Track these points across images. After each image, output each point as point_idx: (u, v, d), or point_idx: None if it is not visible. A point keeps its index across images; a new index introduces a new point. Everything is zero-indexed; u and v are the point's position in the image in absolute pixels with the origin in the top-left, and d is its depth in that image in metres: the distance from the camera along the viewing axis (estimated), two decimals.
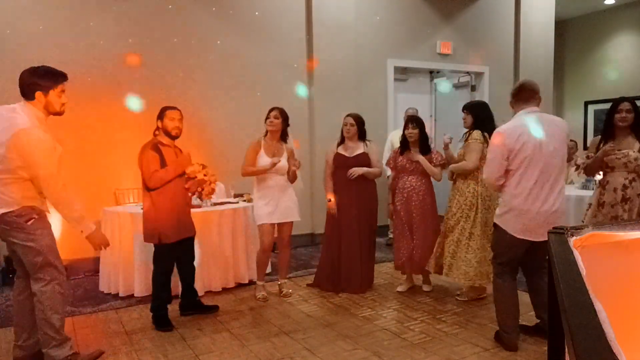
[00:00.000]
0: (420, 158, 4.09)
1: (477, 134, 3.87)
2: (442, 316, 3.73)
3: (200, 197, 4.43)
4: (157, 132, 3.64)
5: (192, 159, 3.83)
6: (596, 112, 9.22)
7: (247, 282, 4.57)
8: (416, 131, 4.12)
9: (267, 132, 4.15)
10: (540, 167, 2.91)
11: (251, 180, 4.22)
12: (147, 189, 3.53)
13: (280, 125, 4.10)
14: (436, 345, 3.20)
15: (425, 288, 4.32)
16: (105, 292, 4.42)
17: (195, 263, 3.90)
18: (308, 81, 6.38)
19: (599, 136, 3.66)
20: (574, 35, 9.56)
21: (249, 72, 5.96)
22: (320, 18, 6.31)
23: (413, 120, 4.19)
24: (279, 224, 4.18)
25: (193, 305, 3.87)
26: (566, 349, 0.92)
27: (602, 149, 3.43)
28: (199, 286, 4.14)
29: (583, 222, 3.67)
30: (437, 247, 4.06)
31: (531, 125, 2.95)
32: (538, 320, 3.33)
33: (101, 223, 4.56)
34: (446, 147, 4.14)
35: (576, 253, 1.19)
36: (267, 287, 4.34)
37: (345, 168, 4.27)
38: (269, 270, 4.92)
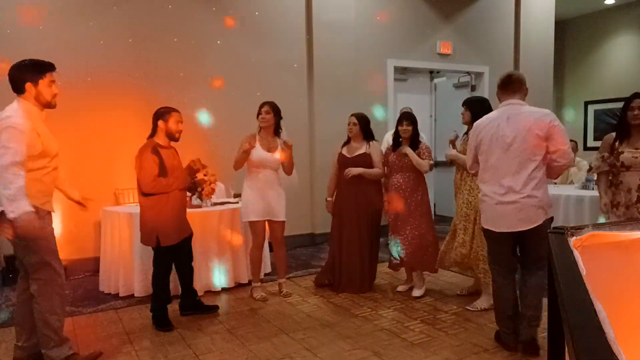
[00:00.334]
0: (408, 150, 4.07)
1: None
2: (442, 316, 3.73)
3: (200, 197, 4.44)
4: (153, 134, 3.61)
5: (191, 160, 3.84)
6: (596, 112, 9.22)
7: (246, 282, 4.57)
8: (410, 128, 4.11)
9: (260, 127, 4.13)
10: (498, 158, 2.94)
11: None
12: (143, 193, 3.51)
13: (273, 120, 4.10)
14: (436, 345, 3.20)
15: (415, 293, 4.18)
16: (105, 292, 4.42)
17: (193, 263, 3.89)
18: (308, 81, 6.38)
19: (612, 134, 3.55)
20: (574, 35, 9.57)
21: (249, 72, 5.96)
22: (320, 18, 6.31)
23: (407, 117, 4.17)
24: (270, 222, 4.18)
25: (193, 305, 3.86)
26: (566, 349, 0.92)
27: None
28: (199, 286, 4.14)
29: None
30: (447, 245, 4.00)
31: (496, 117, 3.03)
32: None
33: (101, 223, 4.57)
34: (452, 144, 4.09)
35: (576, 253, 1.19)
36: (266, 288, 4.34)
37: (345, 168, 4.28)
38: (268, 270, 4.92)
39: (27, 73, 2.72)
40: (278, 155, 4.10)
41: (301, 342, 3.29)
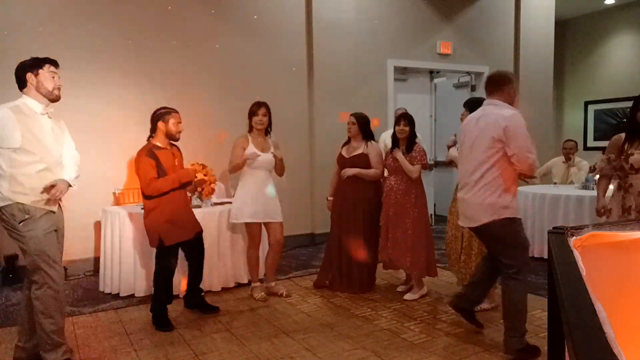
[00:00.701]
0: (399, 155, 4.05)
1: None
2: (442, 316, 3.73)
3: (200, 197, 4.45)
4: (152, 135, 3.61)
5: (192, 163, 3.85)
6: (596, 112, 9.22)
7: (246, 282, 4.57)
8: (407, 129, 4.09)
9: (251, 128, 4.11)
10: (464, 157, 3.08)
11: None
12: (144, 196, 3.55)
13: (268, 121, 4.11)
14: (436, 345, 3.20)
15: (407, 296, 4.14)
16: (105, 292, 4.42)
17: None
18: (308, 81, 6.39)
19: (622, 134, 3.39)
20: (574, 35, 9.57)
21: (248, 73, 5.96)
22: (320, 18, 6.31)
23: (405, 118, 4.15)
24: (267, 225, 4.17)
25: (197, 303, 3.90)
26: (566, 349, 0.92)
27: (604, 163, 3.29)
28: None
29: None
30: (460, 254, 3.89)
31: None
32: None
33: (101, 223, 4.57)
34: (450, 147, 4.10)
35: (576, 253, 1.19)
36: (264, 288, 4.34)
37: (343, 168, 4.29)
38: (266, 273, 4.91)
39: (27, 65, 2.77)
40: (271, 155, 4.11)
41: (301, 342, 3.29)
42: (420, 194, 4.17)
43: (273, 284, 4.33)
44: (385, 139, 6.00)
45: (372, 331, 3.46)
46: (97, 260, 4.80)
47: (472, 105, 3.87)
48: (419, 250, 4.08)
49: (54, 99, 2.81)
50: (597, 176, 3.66)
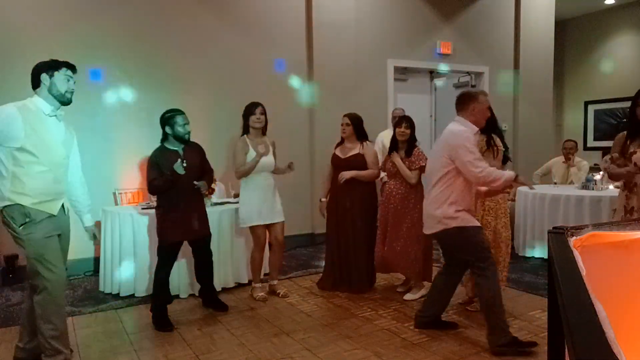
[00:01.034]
0: (397, 161, 4.03)
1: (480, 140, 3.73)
2: (442, 316, 3.72)
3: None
4: (165, 138, 3.68)
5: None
6: (596, 112, 9.22)
7: (246, 282, 4.57)
8: (408, 131, 4.05)
9: (246, 129, 4.09)
10: (427, 169, 3.39)
11: None
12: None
13: (265, 120, 4.11)
14: (436, 345, 3.20)
15: (407, 296, 4.15)
16: (105, 292, 4.42)
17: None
18: (308, 81, 6.39)
19: (624, 132, 3.31)
20: (574, 35, 9.57)
21: (248, 73, 5.95)
22: (320, 18, 6.31)
23: (407, 120, 4.11)
24: (271, 224, 4.17)
25: (209, 300, 3.97)
26: (566, 349, 0.92)
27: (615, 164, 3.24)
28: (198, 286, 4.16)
29: None
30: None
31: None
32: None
33: (101, 223, 4.57)
34: None
35: (576, 253, 1.19)
36: (266, 288, 4.34)
37: (338, 169, 4.24)
38: (268, 270, 4.91)
39: (44, 66, 2.75)
40: (272, 156, 4.11)
41: (301, 342, 3.29)
42: (419, 199, 4.04)
43: (275, 282, 4.34)
44: (382, 139, 5.97)
45: (372, 331, 3.46)
46: (97, 260, 4.80)
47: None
48: (415, 255, 4.05)
49: (64, 102, 2.79)
50: (604, 175, 3.61)
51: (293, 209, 5.19)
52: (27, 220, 2.64)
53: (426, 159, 4.03)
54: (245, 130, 4.10)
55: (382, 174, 4.41)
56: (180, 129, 3.61)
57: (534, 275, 4.78)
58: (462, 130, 3.11)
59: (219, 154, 5.44)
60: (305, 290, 4.47)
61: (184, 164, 3.49)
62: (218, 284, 4.40)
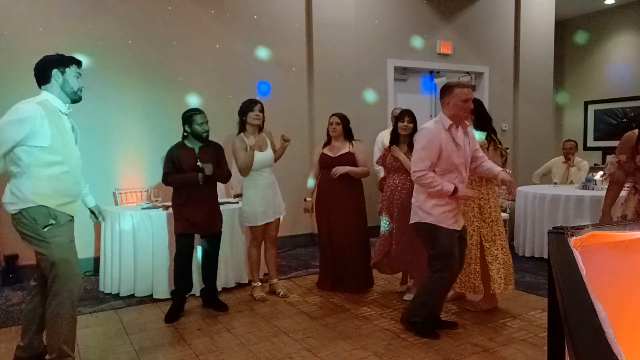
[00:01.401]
0: (400, 155, 4.00)
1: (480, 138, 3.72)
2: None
3: None
4: (185, 137, 3.84)
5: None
6: (596, 112, 9.22)
7: (246, 282, 4.57)
8: (412, 125, 4.02)
9: (243, 127, 4.08)
10: None
11: None
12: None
13: (262, 118, 4.12)
14: (436, 345, 3.20)
15: (407, 297, 4.11)
16: (105, 292, 4.42)
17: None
18: (308, 81, 6.39)
19: (634, 131, 2.94)
20: (574, 35, 9.56)
21: (248, 73, 5.96)
22: (320, 18, 6.31)
23: (409, 114, 4.08)
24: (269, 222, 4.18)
25: (208, 299, 3.99)
26: (566, 349, 0.92)
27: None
28: (199, 286, 4.17)
29: None
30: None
31: None
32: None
33: (101, 223, 4.57)
34: None
35: (576, 253, 1.19)
36: (265, 288, 4.34)
37: (330, 168, 4.22)
38: (266, 270, 4.91)
39: (54, 61, 2.66)
40: (270, 151, 4.12)
41: (301, 342, 3.29)
42: None
43: (275, 281, 4.35)
44: (383, 138, 5.98)
45: (372, 331, 3.46)
46: (97, 260, 4.80)
47: (476, 109, 3.74)
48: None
49: (76, 100, 2.74)
50: (601, 180, 3.39)
51: (293, 209, 5.20)
52: (53, 222, 2.57)
53: None
54: (242, 128, 4.09)
55: (377, 167, 4.38)
56: (197, 128, 3.76)
57: (534, 275, 4.79)
58: (426, 128, 3.17)
59: None
60: (305, 290, 4.47)
61: (198, 163, 3.69)
62: (218, 284, 4.39)
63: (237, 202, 4.75)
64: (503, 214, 5.52)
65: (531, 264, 5.23)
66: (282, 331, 3.48)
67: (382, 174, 4.49)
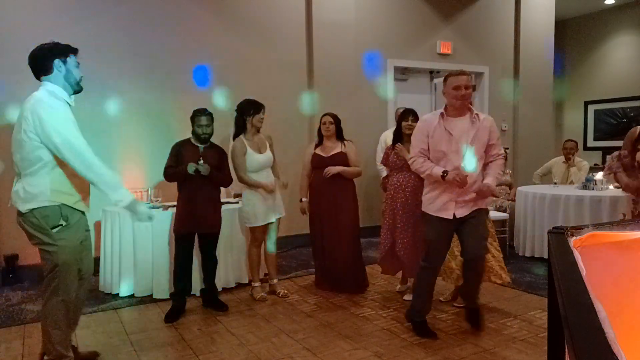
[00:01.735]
0: (405, 154, 3.95)
1: None
2: (442, 316, 3.73)
3: None
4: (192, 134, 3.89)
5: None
6: (596, 112, 9.22)
7: (246, 282, 4.57)
8: (415, 124, 3.98)
9: (243, 128, 4.06)
10: None
11: None
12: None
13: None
14: (436, 345, 3.20)
15: (407, 297, 4.09)
16: (105, 292, 4.42)
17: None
18: (308, 81, 6.39)
19: (638, 127, 3.06)
20: (574, 35, 9.57)
21: (248, 73, 5.95)
22: (320, 18, 6.31)
23: (413, 114, 4.07)
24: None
25: (207, 299, 3.99)
26: (566, 349, 0.92)
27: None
28: (199, 286, 4.17)
29: None
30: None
31: None
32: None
33: (101, 223, 4.57)
34: None
35: (576, 253, 1.19)
36: (266, 287, 4.34)
37: (322, 168, 4.22)
38: (266, 270, 4.91)
39: (55, 50, 2.58)
40: (270, 153, 4.13)
41: (301, 342, 3.29)
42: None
43: (275, 280, 4.35)
44: (386, 138, 5.98)
45: (372, 331, 3.46)
46: (97, 260, 4.78)
47: None
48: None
49: (78, 91, 2.69)
50: (603, 176, 3.42)
51: (293, 209, 5.18)
52: (62, 223, 2.54)
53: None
54: (242, 128, 4.07)
55: (380, 167, 4.37)
56: (197, 129, 3.81)
57: (534, 275, 4.78)
58: (422, 119, 3.31)
59: None
60: (305, 290, 4.47)
61: (200, 161, 3.69)
62: (218, 284, 4.39)
63: (237, 202, 4.75)
64: (503, 214, 5.53)
65: (531, 264, 5.23)
66: (282, 331, 3.48)
67: (384, 174, 4.48)
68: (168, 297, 4.02)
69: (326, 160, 4.25)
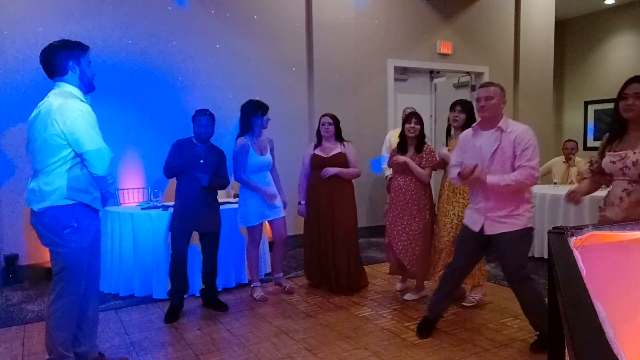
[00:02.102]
0: (408, 160, 3.94)
1: None
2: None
3: None
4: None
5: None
6: (596, 112, 9.22)
7: (247, 282, 4.57)
8: (418, 127, 3.98)
9: (250, 128, 4.04)
10: None
11: None
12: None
13: None
14: (436, 345, 3.20)
15: (407, 296, 4.11)
16: (105, 292, 4.41)
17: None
18: (308, 81, 6.39)
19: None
20: (574, 35, 9.57)
21: (248, 73, 5.96)
22: (320, 18, 6.31)
23: (416, 116, 4.05)
24: (272, 221, 4.19)
25: (207, 300, 3.99)
26: (566, 349, 0.92)
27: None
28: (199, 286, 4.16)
29: None
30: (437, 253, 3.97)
31: None
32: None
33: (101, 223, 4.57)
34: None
35: (576, 253, 1.19)
36: (266, 287, 4.34)
37: (322, 169, 4.22)
38: (268, 269, 4.91)
39: (70, 49, 2.54)
40: (269, 157, 4.14)
41: (301, 342, 3.29)
42: (429, 194, 4.08)
43: (280, 274, 4.39)
44: (390, 138, 6.00)
45: (372, 331, 3.46)
46: None
47: (471, 108, 3.87)
48: (424, 250, 4.02)
49: (91, 90, 2.67)
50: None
51: (293, 209, 5.18)
52: (74, 224, 2.51)
53: (436, 158, 4.02)
54: (248, 128, 4.05)
55: (384, 166, 4.38)
56: (196, 129, 3.83)
57: (534, 275, 4.76)
58: (462, 132, 3.36)
59: None
60: (305, 290, 4.47)
61: (201, 161, 3.74)
62: (218, 284, 4.39)
63: (237, 202, 4.75)
64: None
65: (531, 264, 5.21)
66: (282, 331, 3.48)
67: (387, 173, 4.48)
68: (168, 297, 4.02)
69: (326, 160, 4.25)
